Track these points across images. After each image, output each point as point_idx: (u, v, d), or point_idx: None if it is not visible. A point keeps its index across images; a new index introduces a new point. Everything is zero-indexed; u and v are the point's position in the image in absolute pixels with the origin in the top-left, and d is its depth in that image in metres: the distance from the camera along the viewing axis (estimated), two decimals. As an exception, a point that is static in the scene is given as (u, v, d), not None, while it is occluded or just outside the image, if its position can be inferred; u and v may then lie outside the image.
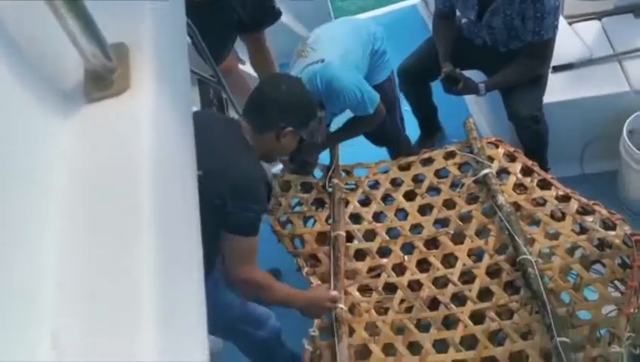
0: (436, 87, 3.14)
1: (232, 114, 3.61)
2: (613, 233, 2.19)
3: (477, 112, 3.45)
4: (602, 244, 2.20)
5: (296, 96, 2.14)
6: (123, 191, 0.70)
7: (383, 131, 2.84)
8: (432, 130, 3.40)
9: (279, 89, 2.11)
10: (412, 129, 3.36)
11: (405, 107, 3.35)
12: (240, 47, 3.65)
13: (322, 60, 2.50)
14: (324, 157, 2.79)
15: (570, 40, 3.06)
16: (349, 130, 2.76)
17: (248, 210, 1.96)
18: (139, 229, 0.67)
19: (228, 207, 1.92)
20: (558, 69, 2.98)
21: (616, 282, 2.12)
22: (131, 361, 0.63)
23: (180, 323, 0.71)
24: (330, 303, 2.19)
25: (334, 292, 2.21)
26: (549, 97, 2.87)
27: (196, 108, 3.40)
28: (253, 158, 2.08)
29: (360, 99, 2.51)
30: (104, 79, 0.76)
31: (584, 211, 2.30)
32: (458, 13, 2.93)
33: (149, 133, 0.74)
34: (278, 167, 2.76)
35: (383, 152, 3.09)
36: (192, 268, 0.77)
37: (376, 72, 2.72)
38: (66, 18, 0.68)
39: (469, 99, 3.49)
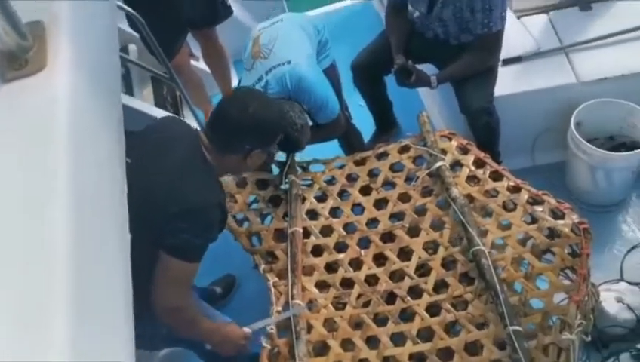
0: (391, 81, 3.16)
1: (187, 111, 3.57)
2: (562, 222, 2.24)
3: (431, 106, 3.49)
4: (552, 233, 2.25)
5: (265, 117, 2.01)
6: (37, 177, 0.66)
7: None
8: (387, 125, 3.42)
9: (246, 111, 1.96)
10: (368, 124, 3.38)
11: (360, 102, 3.37)
12: (192, 43, 3.60)
13: (289, 62, 2.56)
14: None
15: (518, 33, 3.12)
16: (313, 136, 2.75)
17: (196, 236, 1.84)
18: (52, 220, 0.63)
19: (172, 227, 1.81)
20: (507, 62, 3.03)
21: (566, 270, 2.17)
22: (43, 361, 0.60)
23: (100, 322, 0.68)
24: (244, 341, 2.09)
25: (247, 330, 2.09)
26: (499, 90, 2.92)
27: (150, 106, 3.36)
28: (210, 179, 1.96)
29: (325, 101, 2.61)
30: (19, 58, 0.72)
31: (534, 201, 2.35)
32: (410, 7, 2.95)
33: (65, 114, 0.69)
34: None
35: (338, 148, 3.10)
36: (117, 264, 0.73)
37: (319, 60, 2.77)
38: None
39: (422, 93, 3.52)
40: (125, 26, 3.44)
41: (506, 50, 2.96)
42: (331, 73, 2.83)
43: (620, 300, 2.58)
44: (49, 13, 0.76)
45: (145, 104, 3.29)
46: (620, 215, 3.03)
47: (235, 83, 3.75)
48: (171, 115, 2.94)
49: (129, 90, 3.49)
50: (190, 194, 1.85)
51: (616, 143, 3.02)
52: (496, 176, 2.47)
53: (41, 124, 0.68)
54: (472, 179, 2.48)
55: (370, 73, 3.13)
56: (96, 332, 0.66)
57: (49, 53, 0.73)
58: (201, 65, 3.71)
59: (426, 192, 2.49)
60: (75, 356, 0.60)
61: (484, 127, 2.90)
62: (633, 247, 2.90)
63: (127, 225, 0.78)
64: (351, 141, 3.06)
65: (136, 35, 3.23)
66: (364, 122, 3.33)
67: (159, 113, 3.24)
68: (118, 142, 0.83)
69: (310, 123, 2.64)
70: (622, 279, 2.75)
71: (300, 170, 2.69)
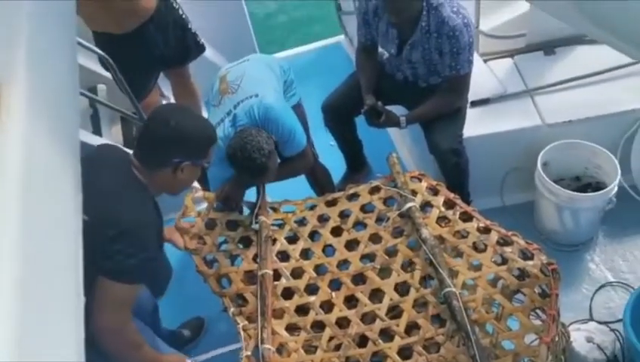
0: (361, 122, 3.19)
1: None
2: (531, 263, 2.26)
3: (401, 146, 3.53)
4: (522, 274, 2.26)
5: (189, 129, 2.02)
6: None
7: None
8: (358, 166, 3.44)
9: (168, 125, 1.98)
10: (338, 164, 3.39)
11: (331, 142, 3.39)
12: (163, 82, 3.60)
13: (256, 95, 2.59)
14: (251, 193, 2.76)
15: (485, 76, 3.19)
16: (280, 173, 2.74)
17: (130, 256, 1.84)
18: None
19: (107, 249, 1.81)
20: (475, 103, 3.10)
21: (537, 311, 2.18)
22: None
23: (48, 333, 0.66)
24: None
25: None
26: (468, 131, 2.97)
27: (118, 145, 3.32)
28: (141, 199, 1.98)
29: (293, 131, 2.63)
30: None
31: (504, 242, 2.37)
32: (380, 48, 3.01)
33: (16, 165, 0.68)
34: (202, 206, 2.70)
35: (309, 190, 3.09)
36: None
37: (286, 98, 2.80)
38: None
39: (393, 133, 3.56)
40: (97, 67, 3.43)
41: (474, 93, 3.03)
42: (298, 111, 2.85)
43: (590, 340, 2.59)
44: (4, 69, 0.75)
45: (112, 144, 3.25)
46: (587, 254, 3.07)
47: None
48: (107, 142, 2.91)
49: (97, 130, 3.45)
50: (122, 216, 1.87)
51: (583, 184, 3.09)
52: (466, 217, 2.48)
53: None
54: (442, 219, 2.49)
55: (340, 114, 3.15)
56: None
57: (2, 107, 0.72)
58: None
59: (397, 233, 2.49)
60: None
61: (453, 168, 2.94)
62: (601, 286, 2.93)
63: (81, 273, 0.77)
64: (319, 179, 3.08)
65: (107, 74, 3.22)
66: (335, 162, 3.34)
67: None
68: (74, 188, 0.82)
69: (278, 160, 2.64)
70: (591, 319, 2.77)
71: (270, 211, 2.67)
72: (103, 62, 2.91)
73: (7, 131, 0.71)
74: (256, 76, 2.70)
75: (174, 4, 3.15)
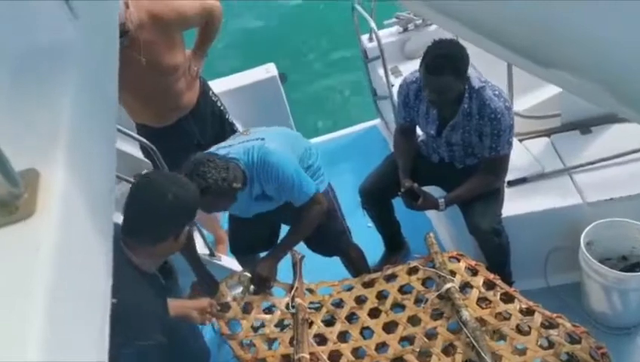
0: (398, 203, 3.20)
1: (196, 235, 3.59)
2: (579, 346, 2.16)
3: (440, 226, 3.50)
4: (570, 359, 2.16)
5: (187, 196, 1.99)
6: (7, 326, 0.66)
7: (325, 238, 2.88)
8: (396, 246, 3.42)
9: (166, 198, 1.93)
10: (376, 245, 3.38)
11: (368, 223, 3.40)
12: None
13: (262, 139, 2.56)
14: (286, 274, 2.75)
15: (522, 156, 3.19)
16: (294, 230, 2.73)
17: (125, 346, 1.73)
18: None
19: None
20: (512, 183, 3.07)
21: (587, 398, 2.06)
22: None
23: None
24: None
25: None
26: (506, 211, 2.94)
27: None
28: (134, 283, 1.91)
29: (294, 179, 2.53)
30: (9, 205, 0.75)
31: (549, 325, 2.28)
32: (418, 130, 3.05)
33: (48, 259, 0.71)
34: (237, 290, 2.70)
35: (345, 271, 3.08)
36: None
37: (315, 182, 2.74)
38: None
39: (431, 213, 3.54)
40: (139, 154, 3.57)
41: (511, 172, 3.02)
42: (327, 197, 2.81)
43: None
44: (44, 160, 0.80)
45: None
46: (639, 337, 2.92)
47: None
48: None
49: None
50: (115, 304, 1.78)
51: (631, 264, 2.98)
52: (507, 298, 2.41)
53: (22, 271, 0.70)
54: (482, 300, 2.43)
55: (378, 197, 3.17)
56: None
57: (39, 199, 0.76)
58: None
59: (437, 315, 2.43)
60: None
61: (494, 248, 2.89)
62: (657, 372, 2.77)
63: None
64: (354, 259, 3.05)
65: (149, 162, 3.34)
66: (373, 243, 3.33)
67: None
68: (105, 282, 0.84)
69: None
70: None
71: (307, 294, 2.66)
72: (144, 150, 3.03)
73: (40, 223, 0.74)
74: (276, 133, 2.70)
75: (213, 97, 3.30)
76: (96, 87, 1.06)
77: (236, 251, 3.15)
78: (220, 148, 2.58)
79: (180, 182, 2.03)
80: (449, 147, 2.92)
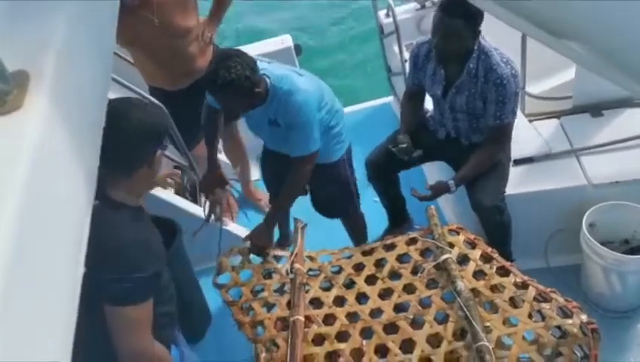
0: (404, 177, 3.22)
1: (203, 199, 3.65)
2: (570, 321, 2.17)
3: (444, 203, 3.52)
4: (560, 333, 2.18)
5: (152, 117, 1.92)
6: None
7: (332, 199, 2.97)
8: (399, 221, 3.44)
9: (132, 122, 1.84)
10: (381, 219, 3.40)
11: (374, 198, 3.42)
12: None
13: (301, 75, 2.59)
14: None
15: (530, 135, 3.19)
16: (282, 191, 2.75)
17: (123, 280, 1.78)
18: None
19: (101, 279, 1.71)
20: (518, 162, 3.08)
21: (575, 372, 2.09)
22: None
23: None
24: None
25: None
26: (510, 189, 2.95)
27: (170, 193, 3.45)
28: (121, 220, 1.89)
29: (307, 129, 2.56)
30: None
31: (542, 299, 2.30)
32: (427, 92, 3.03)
33: (30, 148, 0.75)
34: (237, 260, 2.75)
35: (348, 241, 3.12)
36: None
37: (332, 150, 2.82)
38: None
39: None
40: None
41: (518, 151, 3.02)
42: (342, 165, 2.89)
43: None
44: (36, 64, 0.84)
45: (165, 192, 3.39)
46: (637, 321, 2.92)
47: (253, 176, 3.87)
48: None
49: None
50: (104, 243, 1.70)
51: (632, 247, 2.98)
52: (503, 272, 2.43)
53: (4, 158, 0.74)
54: (478, 273, 2.45)
55: (384, 170, 3.19)
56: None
57: (27, 97, 0.80)
58: (221, 156, 3.84)
59: (432, 285, 2.46)
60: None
61: (495, 225, 2.91)
62: (653, 356, 2.78)
63: (81, 273, 0.81)
64: (358, 226, 3.13)
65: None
66: (378, 217, 3.36)
67: (179, 202, 3.33)
68: (87, 184, 0.87)
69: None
70: (641, 390, 2.61)
71: (307, 260, 2.70)
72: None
73: (25, 117, 0.78)
74: (313, 78, 2.71)
75: None
76: (94, 11, 1.11)
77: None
78: (261, 62, 2.54)
79: (141, 106, 1.97)
80: (453, 114, 2.91)
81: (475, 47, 2.71)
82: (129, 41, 3.01)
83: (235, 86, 2.33)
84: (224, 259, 2.71)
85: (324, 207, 3.06)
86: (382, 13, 4.11)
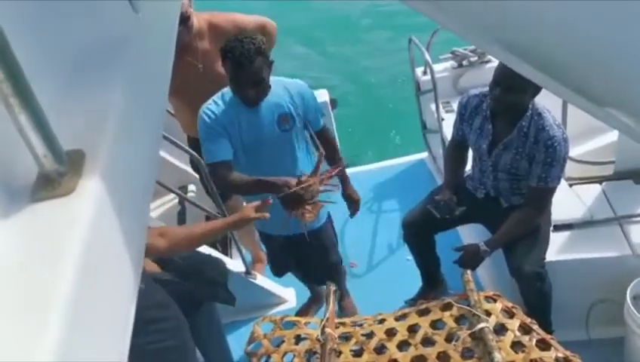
0: (440, 239, 3.15)
1: (234, 251, 3.63)
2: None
3: (480, 267, 3.41)
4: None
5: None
6: (38, 285, 0.68)
7: (324, 271, 3.06)
8: (434, 283, 3.36)
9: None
10: (413, 279, 3.32)
11: (408, 256, 3.35)
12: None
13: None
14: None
15: (570, 200, 3.10)
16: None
17: None
18: (46, 322, 0.64)
19: None
20: (558, 228, 2.99)
21: None
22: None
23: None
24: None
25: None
26: (550, 256, 2.85)
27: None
28: None
29: (317, 103, 2.75)
30: (53, 181, 0.78)
31: (586, 377, 2.18)
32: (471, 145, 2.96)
33: (82, 233, 0.73)
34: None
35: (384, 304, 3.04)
36: None
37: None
38: (21, 123, 0.73)
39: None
40: (188, 167, 3.65)
41: (557, 217, 2.93)
42: (329, 228, 3.00)
43: None
44: (92, 143, 0.84)
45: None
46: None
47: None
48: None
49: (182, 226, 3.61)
50: None
51: (679, 323, 2.83)
52: (544, 346, 2.32)
53: (56, 242, 0.73)
54: (517, 345, 2.34)
55: (420, 230, 3.12)
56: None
57: (82, 179, 0.79)
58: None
59: (467, 354, 2.36)
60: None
61: (535, 293, 2.80)
62: None
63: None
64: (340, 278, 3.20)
65: (197, 175, 3.41)
66: (410, 276, 3.28)
67: (207, 251, 3.31)
68: (134, 271, 0.86)
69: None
70: None
71: (339, 326, 2.64)
72: (193, 164, 3.10)
73: (78, 201, 0.77)
74: None
75: None
76: (148, 80, 1.11)
77: (274, 271, 3.29)
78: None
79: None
80: (495, 173, 2.84)
81: (530, 105, 2.67)
82: (174, 90, 3.06)
83: (262, 51, 2.42)
84: (257, 327, 2.67)
85: (318, 276, 3.13)
86: (419, 70, 4.13)
